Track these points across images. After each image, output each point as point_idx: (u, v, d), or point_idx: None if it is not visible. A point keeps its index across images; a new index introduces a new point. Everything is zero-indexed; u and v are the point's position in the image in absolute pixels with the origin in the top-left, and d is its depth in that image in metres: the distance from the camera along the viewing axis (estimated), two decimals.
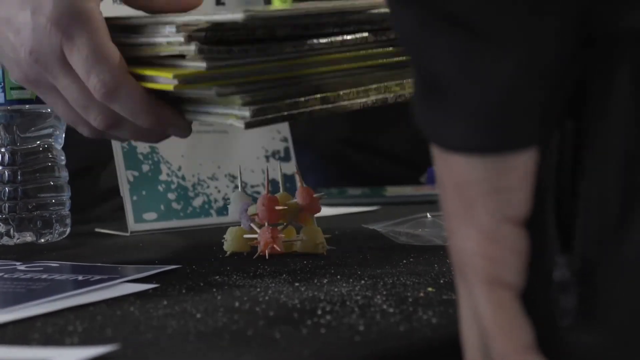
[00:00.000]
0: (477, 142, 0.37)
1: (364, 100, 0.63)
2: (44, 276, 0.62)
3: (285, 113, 0.58)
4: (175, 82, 0.57)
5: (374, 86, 0.63)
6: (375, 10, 0.65)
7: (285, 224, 0.72)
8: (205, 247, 0.78)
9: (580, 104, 0.37)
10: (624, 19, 0.35)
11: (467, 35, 0.35)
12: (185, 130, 0.63)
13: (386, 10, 0.64)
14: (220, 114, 0.58)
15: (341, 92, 0.61)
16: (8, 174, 0.79)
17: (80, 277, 0.61)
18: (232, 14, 0.55)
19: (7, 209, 0.79)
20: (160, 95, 0.61)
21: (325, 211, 0.79)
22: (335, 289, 0.56)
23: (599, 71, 0.36)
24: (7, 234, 0.79)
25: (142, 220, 0.88)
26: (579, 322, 0.37)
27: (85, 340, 0.46)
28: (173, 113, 0.61)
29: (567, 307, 0.37)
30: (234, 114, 0.57)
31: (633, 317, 0.36)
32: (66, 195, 0.82)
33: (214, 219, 0.95)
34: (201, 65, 0.57)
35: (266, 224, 0.70)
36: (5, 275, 0.63)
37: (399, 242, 0.77)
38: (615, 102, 0.35)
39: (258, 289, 0.57)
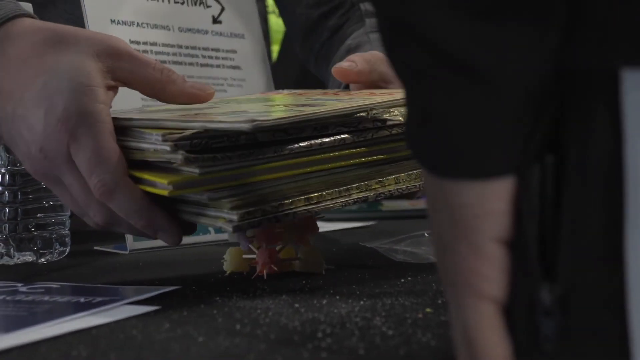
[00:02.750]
0: (465, 169, 0.39)
1: (345, 199, 0.67)
2: (46, 298, 0.62)
3: (271, 216, 0.62)
4: (170, 188, 0.61)
5: (355, 185, 0.67)
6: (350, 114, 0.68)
7: (283, 245, 0.73)
8: (204, 265, 0.79)
9: (560, 138, 0.38)
10: (596, 58, 0.36)
11: (456, 72, 0.37)
12: (174, 238, 0.66)
13: (362, 113, 0.68)
14: (212, 216, 0.62)
15: (324, 192, 0.65)
16: (8, 195, 0.79)
17: (82, 299, 0.61)
18: (239, 124, 0.58)
19: (7, 229, 0.79)
20: (157, 196, 0.64)
21: (323, 226, 0.79)
22: (335, 310, 0.57)
23: (575, 107, 0.37)
24: (8, 254, 0.79)
25: (141, 239, 0.89)
26: (557, 348, 0.38)
27: None
28: (165, 218, 0.65)
29: (547, 333, 0.38)
30: (223, 217, 0.61)
31: (607, 348, 0.37)
32: (66, 215, 0.82)
33: (212, 236, 0.96)
34: (194, 171, 0.60)
35: (264, 244, 0.71)
36: (8, 298, 0.63)
37: (396, 259, 0.78)
38: (592, 138, 0.37)
39: (258, 311, 0.57)
